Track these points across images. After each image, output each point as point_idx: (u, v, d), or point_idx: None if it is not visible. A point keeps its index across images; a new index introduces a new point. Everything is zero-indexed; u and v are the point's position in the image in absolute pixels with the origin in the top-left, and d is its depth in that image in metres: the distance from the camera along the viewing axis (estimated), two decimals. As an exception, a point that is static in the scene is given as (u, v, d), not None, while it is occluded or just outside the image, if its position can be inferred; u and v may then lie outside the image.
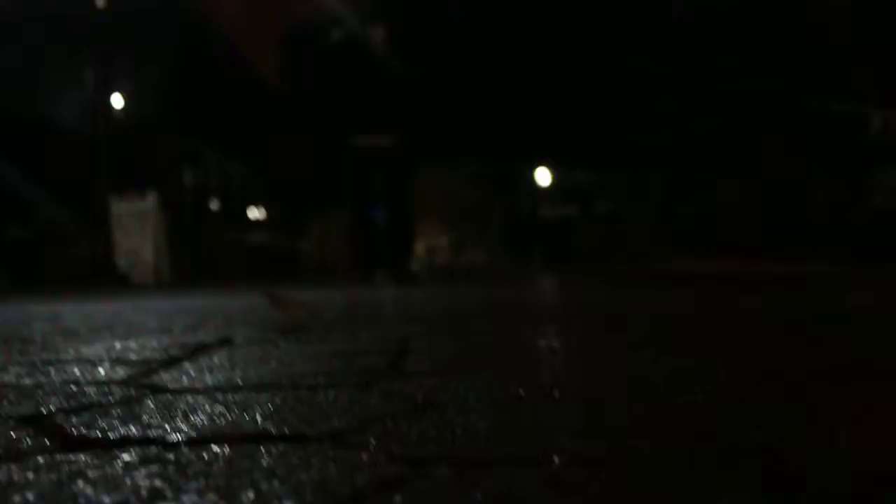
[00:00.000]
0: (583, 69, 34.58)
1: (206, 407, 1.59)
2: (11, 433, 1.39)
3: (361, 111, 9.17)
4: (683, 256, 28.05)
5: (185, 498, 0.97)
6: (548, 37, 33.55)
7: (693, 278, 9.24)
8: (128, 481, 1.04)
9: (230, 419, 1.46)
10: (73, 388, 1.92)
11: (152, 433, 1.35)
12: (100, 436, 1.35)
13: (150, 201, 20.18)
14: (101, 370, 2.24)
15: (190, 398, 1.71)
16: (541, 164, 39.68)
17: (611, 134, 34.15)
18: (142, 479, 1.06)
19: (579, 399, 1.60)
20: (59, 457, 1.20)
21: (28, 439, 1.34)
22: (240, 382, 1.93)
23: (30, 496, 0.99)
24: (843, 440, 1.20)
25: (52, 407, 1.65)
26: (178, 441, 1.29)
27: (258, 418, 1.46)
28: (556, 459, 1.12)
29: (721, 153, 31.33)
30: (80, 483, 1.04)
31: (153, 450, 1.23)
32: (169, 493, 0.99)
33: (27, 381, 2.05)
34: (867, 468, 1.04)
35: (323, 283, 11.62)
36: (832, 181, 28.84)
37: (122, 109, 26.04)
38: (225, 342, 2.95)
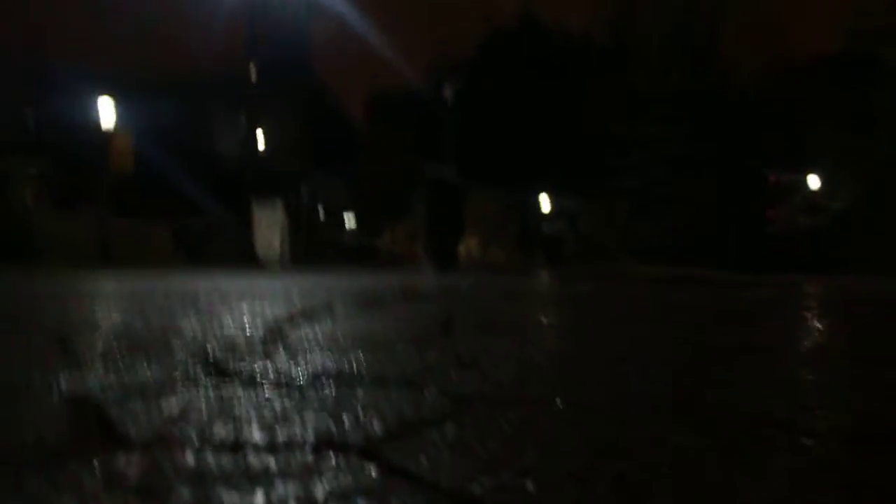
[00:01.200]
0: (576, 130, 34.48)
1: (317, 354, 1.59)
2: (188, 367, 1.39)
3: (426, 150, 9.62)
4: (640, 263, 27.91)
5: (305, 419, 0.96)
6: (551, 106, 33.47)
7: (643, 278, 9.18)
8: (267, 406, 1.04)
9: (334, 364, 1.45)
10: (228, 337, 1.92)
11: (282, 372, 1.35)
12: (248, 372, 1.35)
13: (279, 208, 20.27)
14: (247, 324, 2.24)
15: (306, 348, 1.70)
16: (543, 192, 39.65)
17: (593, 175, 34.07)
18: (277, 404, 1.06)
19: (573, 359, 1.59)
20: (220, 385, 1.20)
21: (199, 372, 1.34)
22: (340, 338, 1.93)
23: (203, 411, 0.99)
24: (748, 397, 1.19)
25: (214, 349, 1.65)
26: (300, 378, 1.29)
27: (354, 364, 1.45)
28: (558, 402, 1.11)
29: (669, 191, 31.18)
30: (236, 405, 1.04)
31: (283, 384, 1.23)
32: (296, 415, 0.98)
33: (197, 330, 2.06)
34: (770, 416, 1.03)
35: (394, 270, 11.63)
36: (743, 214, 28.61)
37: (264, 143, 26.17)
38: (328, 310, 2.95)
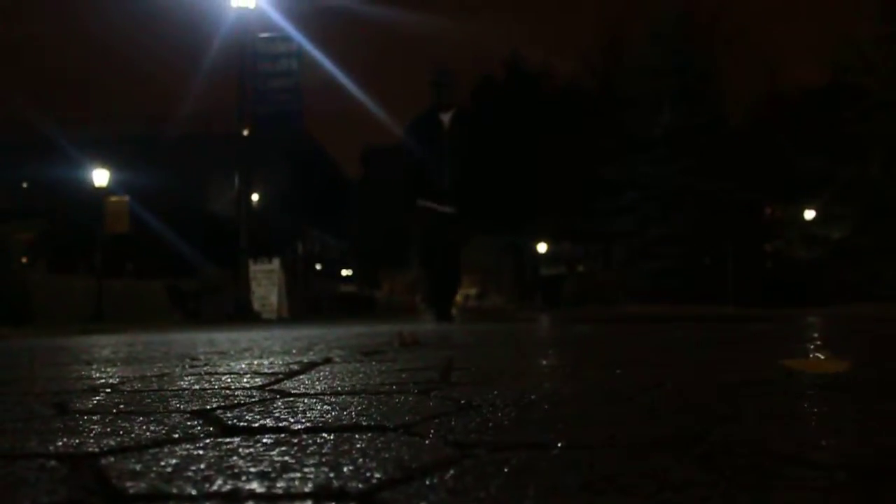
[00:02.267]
0: (568, 174, 34.71)
1: (317, 406, 1.59)
2: (187, 422, 1.39)
3: (423, 187, 8.67)
4: (638, 303, 27.90)
5: (305, 468, 0.96)
6: (542, 151, 33.66)
7: (642, 317, 9.18)
8: (266, 457, 1.04)
9: (334, 415, 1.45)
10: (226, 391, 1.92)
11: (281, 424, 1.35)
12: (246, 425, 1.35)
13: (275, 263, 20.35)
14: (245, 379, 2.24)
15: (305, 400, 1.70)
16: (540, 238, 39.78)
17: (587, 217, 34.22)
18: (276, 455, 1.05)
19: (572, 401, 1.59)
20: (219, 439, 1.20)
21: (198, 426, 1.34)
22: (339, 389, 1.93)
23: (202, 465, 0.99)
24: (756, 431, 1.19)
25: (213, 404, 1.65)
26: (299, 429, 1.29)
27: (353, 414, 1.45)
28: (558, 444, 1.11)
29: (664, 230, 31.28)
30: (235, 458, 1.04)
31: (283, 435, 1.22)
32: (295, 465, 0.98)
33: (196, 387, 2.06)
34: (775, 450, 1.02)
35: (392, 320, 11.63)
36: (740, 251, 28.68)
37: (257, 201, 26.29)
38: (327, 361, 2.94)
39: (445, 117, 8.74)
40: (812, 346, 3.21)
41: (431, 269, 8.88)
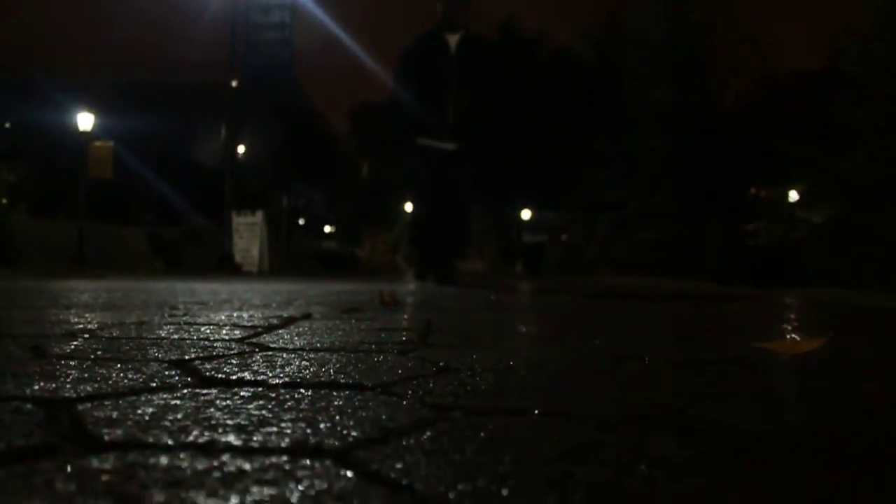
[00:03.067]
0: (557, 146, 34.69)
1: (296, 361, 1.59)
2: (165, 372, 1.39)
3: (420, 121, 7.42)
4: (617, 273, 28.04)
5: (282, 424, 0.96)
6: (533, 117, 33.59)
7: (622, 289, 9.22)
8: (244, 410, 1.04)
9: (312, 371, 1.45)
10: (206, 342, 1.92)
11: (259, 377, 1.35)
12: (224, 377, 1.35)
13: (259, 216, 20.26)
14: (224, 331, 2.24)
15: (284, 354, 1.70)
16: (525, 206, 39.78)
17: (573, 189, 34.26)
18: (253, 409, 1.05)
19: (550, 369, 1.60)
20: (197, 390, 1.20)
21: (176, 376, 1.34)
22: (318, 345, 1.93)
23: (179, 416, 0.99)
24: (731, 409, 1.20)
25: (191, 355, 1.65)
26: (277, 384, 1.29)
27: (331, 371, 1.45)
28: (535, 412, 1.11)
29: (649, 204, 31.39)
30: (212, 409, 1.04)
31: (260, 389, 1.22)
32: (272, 420, 0.98)
33: (175, 336, 2.06)
34: (748, 427, 1.03)
35: (373, 278, 11.63)
36: (723, 229, 28.83)
37: (244, 153, 26.14)
38: (307, 316, 2.94)
39: (452, 39, 7.41)
40: (789, 327, 3.23)
41: (423, 218, 7.59)
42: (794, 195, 27.36)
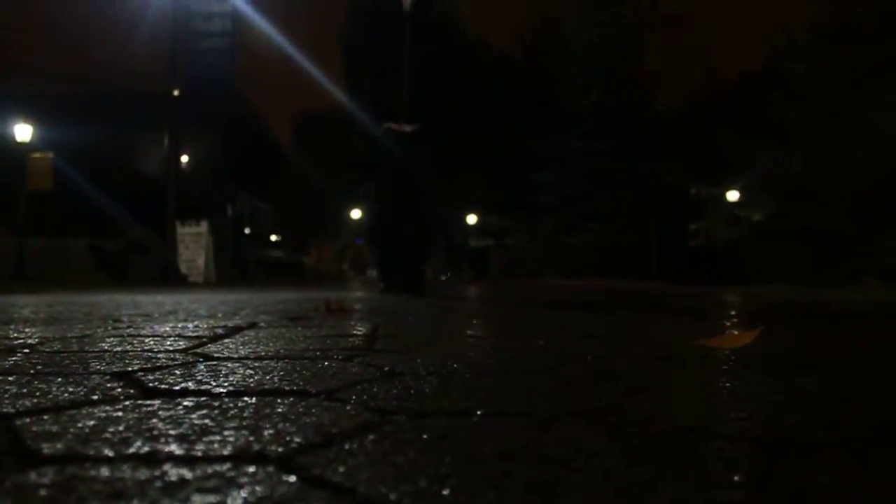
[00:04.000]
0: (500, 151, 34.85)
1: (240, 370, 1.58)
2: (107, 384, 1.38)
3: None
4: (561, 275, 28.28)
5: (225, 432, 0.96)
6: (470, 121, 33.71)
7: (565, 289, 9.30)
8: (187, 420, 1.04)
9: (256, 379, 1.45)
10: (149, 354, 1.90)
11: (203, 387, 1.34)
12: (167, 388, 1.34)
13: (203, 226, 20.05)
14: (168, 342, 2.22)
15: (229, 364, 1.69)
16: (470, 211, 39.91)
17: (515, 193, 34.46)
18: (196, 418, 1.05)
19: (493, 371, 1.61)
20: (139, 402, 1.19)
21: (118, 389, 1.33)
22: (262, 353, 1.92)
23: (120, 427, 0.98)
24: (668, 404, 1.22)
25: (134, 367, 1.63)
26: (221, 393, 1.28)
27: (276, 379, 1.45)
28: (477, 412, 1.12)
29: (590, 206, 31.71)
30: (154, 420, 1.04)
31: (204, 399, 1.22)
32: (215, 429, 0.98)
33: (118, 349, 2.03)
34: (683, 421, 1.06)
35: (319, 286, 11.57)
36: (664, 229, 29.23)
37: (187, 163, 25.84)
38: (253, 325, 2.93)
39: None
40: (727, 323, 3.29)
41: (383, 214, 6.51)
42: (733, 195, 27.86)
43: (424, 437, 0.95)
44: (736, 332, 2.62)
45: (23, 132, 18.28)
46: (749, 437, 0.98)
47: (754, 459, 0.87)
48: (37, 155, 18.90)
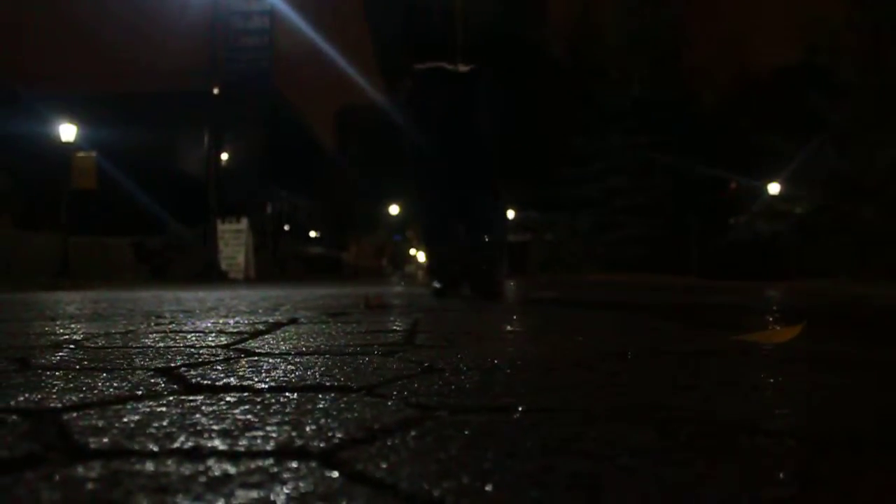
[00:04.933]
0: (536, 142, 34.71)
1: (281, 366, 1.59)
2: (150, 380, 1.39)
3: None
4: (600, 270, 28.15)
5: (268, 427, 0.96)
6: (517, 118, 33.66)
7: (605, 284, 9.25)
8: (229, 415, 1.04)
9: (297, 375, 1.45)
10: (191, 350, 1.92)
11: (245, 383, 1.35)
12: (210, 383, 1.35)
13: (244, 223, 20.22)
14: (210, 338, 2.24)
15: (270, 359, 1.70)
16: (509, 206, 39.86)
17: (555, 188, 34.34)
18: (239, 414, 1.05)
19: (534, 366, 1.60)
20: (182, 397, 1.20)
21: (162, 384, 1.34)
22: (304, 349, 1.93)
23: (164, 422, 0.99)
24: (712, 400, 1.20)
25: (177, 362, 1.65)
26: (263, 389, 1.28)
27: (317, 375, 1.45)
28: (519, 408, 1.11)
29: (630, 201, 31.51)
30: (198, 415, 1.04)
31: (246, 394, 1.22)
32: (257, 424, 0.98)
33: (160, 345, 2.05)
34: (728, 416, 1.04)
35: (358, 282, 11.62)
36: (704, 223, 28.96)
37: (227, 161, 26.07)
38: (293, 321, 2.94)
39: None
40: (770, 318, 3.25)
41: (436, 197, 4.95)
42: (773, 188, 27.52)
43: (466, 432, 0.95)
44: (779, 328, 2.58)
45: (67, 132, 18.56)
46: (795, 433, 0.96)
47: (801, 457, 0.86)
48: (81, 154, 19.19)
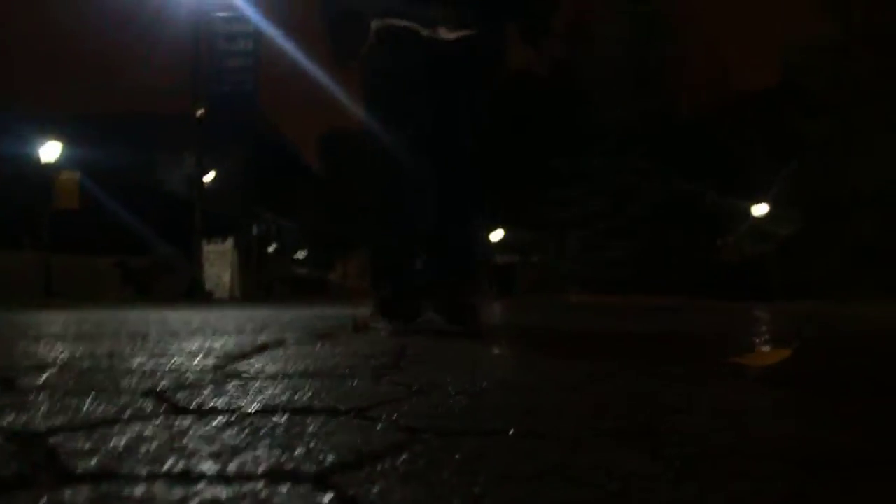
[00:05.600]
0: (524, 164, 34.83)
1: (270, 388, 1.58)
2: (138, 402, 1.38)
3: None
4: (588, 291, 28.18)
5: (258, 450, 0.96)
6: (493, 138, 33.71)
7: (591, 307, 9.27)
8: (219, 438, 1.04)
9: (286, 397, 1.45)
10: (179, 372, 1.91)
11: (234, 405, 1.35)
12: (198, 406, 1.34)
13: (229, 244, 20.19)
14: (197, 360, 2.23)
15: (258, 381, 1.70)
16: (495, 226, 39.89)
17: (542, 209, 34.41)
18: (228, 437, 1.05)
19: (524, 389, 1.60)
20: (170, 420, 1.19)
21: (150, 406, 1.33)
22: (291, 371, 1.92)
23: (153, 445, 0.99)
24: (702, 423, 1.21)
25: (164, 384, 1.64)
26: (252, 411, 1.28)
27: (306, 397, 1.45)
28: (509, 432, 1.12)
29: (614, 223, 31.60)
30: (187, 438, 1.04)
31: (235, 416, 1.22)
32: (247, 447, 0.98)
33: (147, 366, 2.04)
34: (718, 440, 1.05)
35: (344, 303, 11.59)
36: (690, 244, 29.10)
37: (212, 181, 26.02)
38: (280, 343, 2.93)
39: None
40: (758, 340, 3.26)
41: (397, 191, 3.67)
42: (759, 209, 27.70)
43: (457, 456, 0.95)
44: (767, 350, 2.59)
45: (50, 152, 18.51)
46: (784, 456, 0.97)
47: (791, 478, 0.86)
48: (65, 174, 19.13)
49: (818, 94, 22.29)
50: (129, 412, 1.27)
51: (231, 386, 1.62)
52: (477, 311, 3.72)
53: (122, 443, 1.01)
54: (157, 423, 1.16)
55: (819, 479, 0.86)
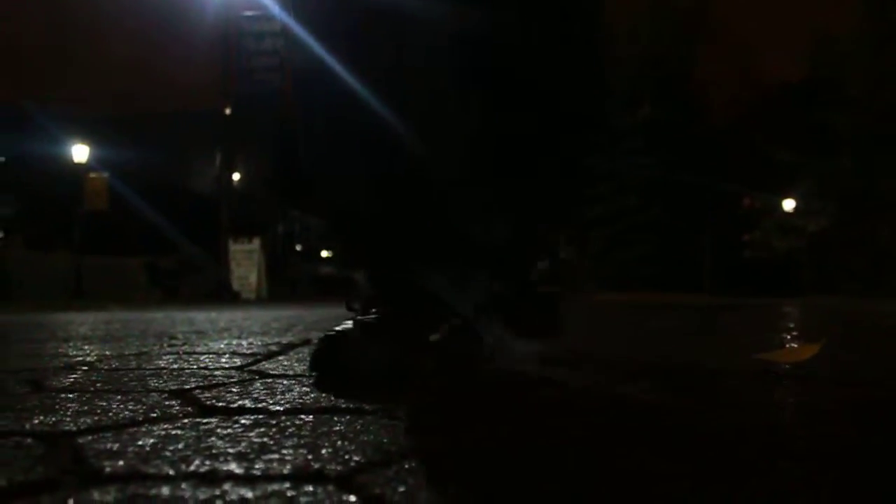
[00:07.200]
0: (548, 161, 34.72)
1: (296, 387, 1.58)
2: (165, 402, 1.39)
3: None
4: (612, 289, 28.09)
5: (284, 450, 0.96)
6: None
7: (617, 304, 9.23)
8: (245, 438, 1.04)
9: (312, 396, 1.45)
10: (205, 371, 1.91)
11: (260, 405, 1.35)
12: (224, 406, 1.34)
13: (256, 243, 20.30)
14: (224, 359, 2.23)
15: (284, 381, 1.70)
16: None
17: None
18: (255, 436, 1.05)
19: (553, 387, 1.59)
20: (197, 420, 1.19)
21: (176, 406, 1.34)
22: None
23: (180, 445, 0.99)
24: (733, 420, 1.19)
25: (191, 384, 1.65)
26: (278, 411, 1.28)
27: (332, 396, 1.45)
28: (538, 433, 1.11)
29: (639, 221, 31.48)
30: (213, 438, 1.04)
31: (261, 416, 1.22)
32: (273, 447, 0.98)
33: (174, 366, 2.05)
34: (751, 438, 1.03)
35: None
36: (717, 240, 28.90)
37: (239, 181, 26.19)
38: (306, 342, 2.94)
39: None
40: (787, 336, 3.23)
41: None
42: (788, 204, 27.46)
43: (482, 456, 0.94)
44: (796, 346, 2.56)
45: (79, 153, 18.68)
46: (818, 453, 0.95)
47: (820, 477, 0.85)
48: (93, 175, 19.31)
49: (848, 88, 22.04)
50: (156, 412, 1.27)
51: (258, 385, 1.62)
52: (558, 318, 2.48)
53: (149, 443, 1.01)
54: (185, 423, 1.16)
55: (853, 480, 0.84)
